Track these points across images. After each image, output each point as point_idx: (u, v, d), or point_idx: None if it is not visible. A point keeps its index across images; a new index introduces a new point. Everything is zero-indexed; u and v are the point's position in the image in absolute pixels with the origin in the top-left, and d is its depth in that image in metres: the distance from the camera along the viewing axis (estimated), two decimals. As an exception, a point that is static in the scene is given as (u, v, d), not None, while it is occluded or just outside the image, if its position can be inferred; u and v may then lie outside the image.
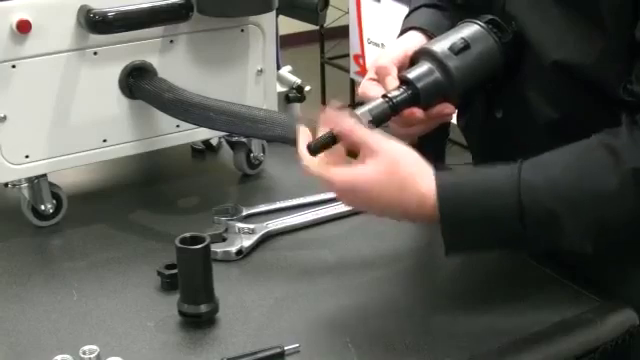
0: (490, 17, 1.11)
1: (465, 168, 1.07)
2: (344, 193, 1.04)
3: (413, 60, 1.13)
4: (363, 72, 4.08)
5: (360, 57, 4.15)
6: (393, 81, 1.11)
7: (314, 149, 1.04)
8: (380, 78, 1.13)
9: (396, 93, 1.08)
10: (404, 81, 1.10)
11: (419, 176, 1.01)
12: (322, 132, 1.03)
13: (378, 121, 1.07)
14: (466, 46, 1.09)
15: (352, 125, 1.02)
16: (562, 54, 1.05)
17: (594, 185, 0.98)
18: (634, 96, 1.00)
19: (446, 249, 1.03)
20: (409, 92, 1.09)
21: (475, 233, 1.02)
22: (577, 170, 0.99)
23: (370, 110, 1.06)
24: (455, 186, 1.02)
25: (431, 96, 1.09)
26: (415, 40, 1.19)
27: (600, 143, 0.99)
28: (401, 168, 1.01)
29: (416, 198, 1.01)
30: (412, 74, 1.09)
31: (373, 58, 1.18)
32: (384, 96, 1.08)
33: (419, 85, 1.09)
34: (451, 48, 1.09)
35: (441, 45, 1.10)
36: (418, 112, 1.09)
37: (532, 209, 0.98)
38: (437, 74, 1.09)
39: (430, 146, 1.24)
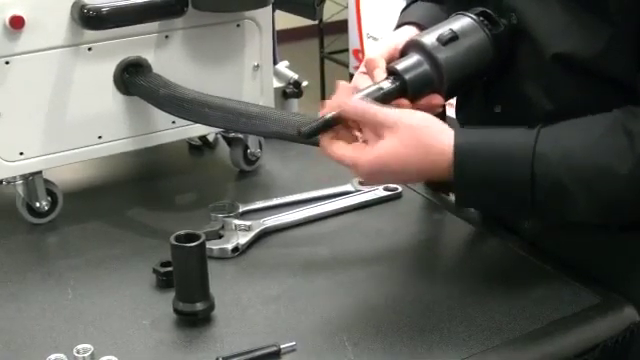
0: (481, 9, 1.10)
1: (484, 130, 1.07)
2: (372, 174, 1.05)
3: (403, 52, 1.12)
4: (363, 67, 4.07)
5: (359, 52, 4.15)
6: (381, 73, 1.11)
7: (307, 134, 1.04)
8: (368, 71, 1.13)
9: (384, 84, 1.08)
10: (393, 72, 1.09)
11: (439, 138, 1.03)
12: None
13: None
14: (454, 37, 1.08)
15: (362, 104, 1.03)
16: (564, 46, 1.04)
17: (608, 167, 0.99)
18: None
19: (456, 204, 1.08)
20: (397, 83, 1.08)
21: (484, 195, 1.05)
22: (593, 149, 1.01)
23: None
24: (471, 146, 1.03)
25: (419, 87, 1.09)
26: (408, 34, 1.19)
27: (620, 124, 1.00)
28: (423, 135, 1.03)
29: (437, 159, 1.03)
30: (400, 65, 1.09)
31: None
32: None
33: (407, 76, 1.08)
34: (439, 39, 1.09)
35: (430, 37, 1.10)
36: (405, 103, 1.09)
37: (544, 181, 1.00)
38: (425, 66, 1.09)
39: None
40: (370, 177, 1.08)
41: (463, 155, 1.02)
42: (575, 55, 1.04)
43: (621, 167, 0.98)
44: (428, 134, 1.03)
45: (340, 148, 1.04)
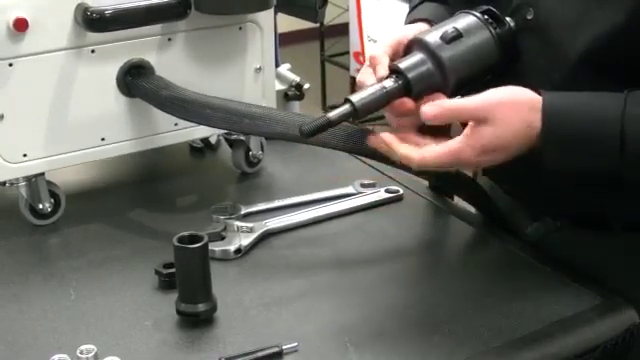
0: (486, 8, 1.10)
1: (572, 92, 1.03)
2: (482, 155, 1.01)
3: (407, 50, 1.12)
4: (363, 69, 4.08)
5: (360, 54, 4.15)
6: (382, 70, 1.10)
7: (308, 133, 1.05)
8: (372, 67, 1.12)
9: (387, 83, 1.08)
10: (395, 71, 1.09)
11: (531, 98, 1.01)
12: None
13: (369, 109, 1.07)
14: (458, 35, 1.08)
15: (450, 105, 1.02)
16: (585, 41, 1.03)
17: None
18: None
19: (545, 164, 1.01)
20: (399, 82, 1.08)
21: (574, 154, 1.00)
22: None
23: (362, 98, 1.06)
24: (561, 106, 1.01)
25: (423, 86, 1.08)
26: (413, 29, 1.17)
27: None
28: (517, 105, 1.01)
29: (532, 119, 1.00)
30: (403, 64, 1.09)
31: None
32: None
33: (410, 75, 1.08)
34: (442, 37, 1.08)
35: (433, 35, 1.09)
36: (409, 102, 1.08)
37: (634, 140, 0.97)
38: (429, 64, 1.08)
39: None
40: (478, 161, 1.02)
41: (552, 115, 0.99)
42: (596, 48, 1.03)
43: None
44: (520, 101, 1.01)
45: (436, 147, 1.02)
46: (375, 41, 3.95)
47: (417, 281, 1.20)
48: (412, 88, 1.08)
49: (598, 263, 1.14)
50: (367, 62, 1.15)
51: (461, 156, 1.01)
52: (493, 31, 1.08)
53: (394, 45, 1.13)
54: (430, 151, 1.02)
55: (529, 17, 1.08)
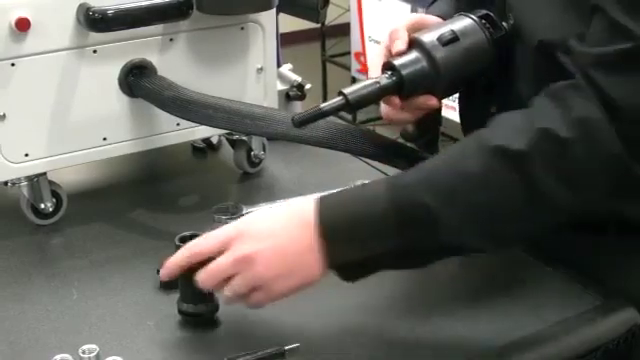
0: (484, 12, 1.12)
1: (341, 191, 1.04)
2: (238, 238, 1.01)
3: (407, 49, 1.14)
4: (364, 70, 4.09)
5: (361, 55, 4.16)
6: (400, 45, 1.12)
7: (299, 122, 1.08)
8: (390, 41, 1.15)
9: (381, 78, 1.11)
10: (391, 68, 1.11)
11: (296, 212, 1.02)
12: None
13: (361, 102, 1.09)
14: (454, 38, 1.11)
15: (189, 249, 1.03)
16: (551, 34, 1.04)
17: (460, 169, 0.96)
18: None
19: (339, 272, 1.02)
20: (393, 78, 1.11)
21: (356, 247, 1.00)
22: (445, 159, 0.99)
23: (355, 91, 1.09)
24: (330, 202, 1.01)
25: (415, 84, 1.11)
26: (433, 18, 1.20)
27: (473, 133, 0.99)
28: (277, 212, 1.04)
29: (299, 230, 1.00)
30: (398, 61, 1.12)
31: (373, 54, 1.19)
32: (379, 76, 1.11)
33: (404, 72, 1.11)
34: (439, 39, 1.11)
35: (430, 36, 1.12)
36: (396, 102, 1.12)
37: (404, 206, 0.96)
38: (423, 63, 1.11)
39: (422, 136, 1.25)
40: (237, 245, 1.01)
41: (325, 212, 0.99)
42: (561, 43, 1.03)
43: (473, 166, 0.95)
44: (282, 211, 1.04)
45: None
46: (377, 42, 3.95)
47: (417, 281, 1.20)
48: (405, 85, 1.10)
49: (599, 263, 1.14)
50: (385, 42, 1.16)
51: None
52: (489, 35, 1.11)
53: (414, 23, 1.16)
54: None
55: (511, 22, 1.10)
